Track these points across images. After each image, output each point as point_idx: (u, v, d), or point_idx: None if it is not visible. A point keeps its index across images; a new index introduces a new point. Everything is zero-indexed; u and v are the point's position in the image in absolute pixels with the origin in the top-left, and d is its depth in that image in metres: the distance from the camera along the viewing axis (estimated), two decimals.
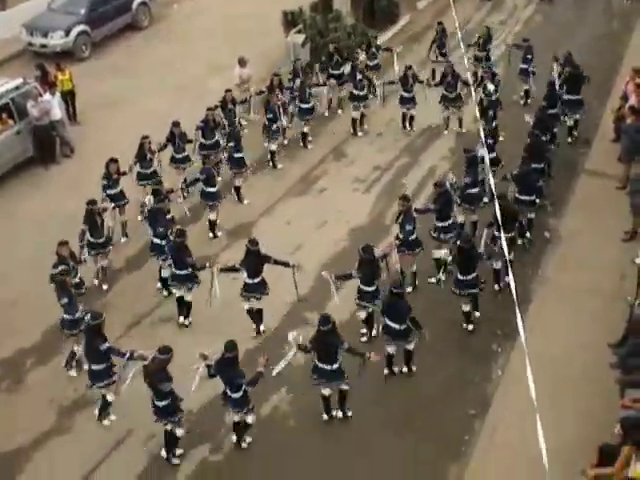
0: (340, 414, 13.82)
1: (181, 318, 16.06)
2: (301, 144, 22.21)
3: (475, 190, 17.49)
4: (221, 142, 19.98)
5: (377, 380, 14.28)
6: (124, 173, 17.99)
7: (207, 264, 15.49)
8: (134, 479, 13.01)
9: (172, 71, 26.66)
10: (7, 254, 18.09)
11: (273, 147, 21.03)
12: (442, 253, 15.70)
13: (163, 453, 13.27)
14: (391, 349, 14.39)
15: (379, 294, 14.91)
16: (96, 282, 17.00)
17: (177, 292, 15.94)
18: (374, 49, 24.53)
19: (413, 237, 16.23)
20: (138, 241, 18.22)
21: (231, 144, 19.45)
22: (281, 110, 20.98)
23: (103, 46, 28.86)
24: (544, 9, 31.36)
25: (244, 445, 13.42)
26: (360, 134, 22.76)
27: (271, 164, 21.15)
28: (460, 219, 17.58)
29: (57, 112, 21.76)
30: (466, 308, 15.46)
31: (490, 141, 18.47)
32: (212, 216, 18.49)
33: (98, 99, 24.66)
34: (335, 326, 13.15)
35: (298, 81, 22.23)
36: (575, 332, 15.17)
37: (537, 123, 19.33)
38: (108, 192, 17.63)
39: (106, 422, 13.95)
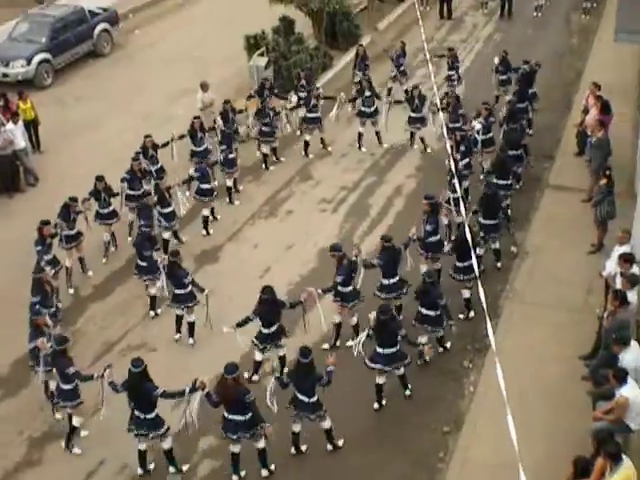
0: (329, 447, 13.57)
1: (177, 335, 16.07)
2: (263, 166, 22.19)
3: (436, 238, 16.57)
4: (149, 189, 18.97)
5: (348, 397, 14.20)
6: (55, 235, 17.11)
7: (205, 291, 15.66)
8: None
9: (135, 97, 26.60)
10: None
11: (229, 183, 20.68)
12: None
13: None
14: (381, 379, 14.27)
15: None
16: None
17: (177, 311, 15.92)
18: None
19: (435, 239, 16.51)
20: (104, 270, 18.20)
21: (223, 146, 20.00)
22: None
23: (65, 74, 28.75)
24: (503, 27, 31.70)
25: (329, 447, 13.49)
26: (311, 156, 22.79)
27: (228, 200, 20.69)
28: (423, 269, 16.33)
29: (20, 141, 21.61)
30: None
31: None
32: (205, 212, 19.26)
33: (61, 127, 24.55)
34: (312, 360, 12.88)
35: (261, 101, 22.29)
36: (544, 346, 15.23)
37: (509, 117, 20.61)
38: (45, 258, 16.54)
39: (76, 450, 13.79)
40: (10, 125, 21.48)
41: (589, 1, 31.89)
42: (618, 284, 14.38)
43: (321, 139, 22.95)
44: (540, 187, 20.44)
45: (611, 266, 15.10)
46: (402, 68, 25.43)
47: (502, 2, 32.49)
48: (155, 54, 30.10)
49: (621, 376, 12.03)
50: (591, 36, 29.57)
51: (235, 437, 12.66)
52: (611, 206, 17.41)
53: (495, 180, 18.15)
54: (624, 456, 10.87)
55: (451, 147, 18.80)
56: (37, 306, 14.86)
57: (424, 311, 14.79)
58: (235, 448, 12.89)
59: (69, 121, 25.06)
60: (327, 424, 13.27)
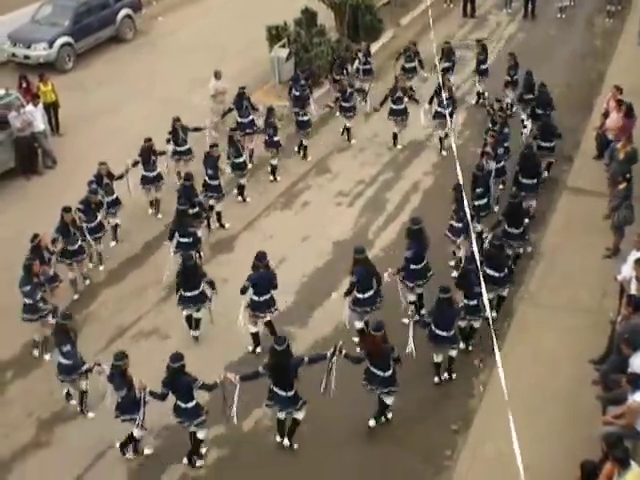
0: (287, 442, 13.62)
1: (192, 331, 16.05)
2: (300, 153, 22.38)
3: (420, 266, 15.68)
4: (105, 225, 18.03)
5: (357, 394, 14.20)
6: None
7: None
8: None
9: (155, 84, 26.65)
10: None
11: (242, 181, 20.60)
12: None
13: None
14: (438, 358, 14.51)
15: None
16: (76, 296, 17.08)
17: (186, 312, 15.85)
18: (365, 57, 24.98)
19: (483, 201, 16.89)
20: (119, 255, 18.29)
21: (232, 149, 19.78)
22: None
23: (86, 58, 28.84)
24: (526, 26, 31.53)
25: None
26: (354, 141, 23.04)
27: (240, 197, 20.69)
28: (410, 298, 15.97)
29: (40, 123, 21.72)
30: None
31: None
32: (218, 207, 19.19)
33: (81, 111, 24.62)
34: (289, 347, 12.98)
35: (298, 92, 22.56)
36: (557, 348, 15.18)
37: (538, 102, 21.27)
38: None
39: (91, 415, 14.15)
40: (30, 107, 21.58)
41: (613, 4, 31.65)
42: (633, 289, 14.32)
43: (348, 130, 23.02)
44: (558, 189, 20.34)
45: (626, 270, 15.01)
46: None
47: (525, 2, 32.26)
48: (177, 41, 30.10)
49: (635, 381, 11.97)
50: (614, 39, 29.34)
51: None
52: (629, 211, 17.29)
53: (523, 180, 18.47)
54: (632, 462, 10.83)
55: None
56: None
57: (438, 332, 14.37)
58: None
59: (89, 105, 25.14)
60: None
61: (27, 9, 29.21)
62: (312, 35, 26.41)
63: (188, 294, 15.42)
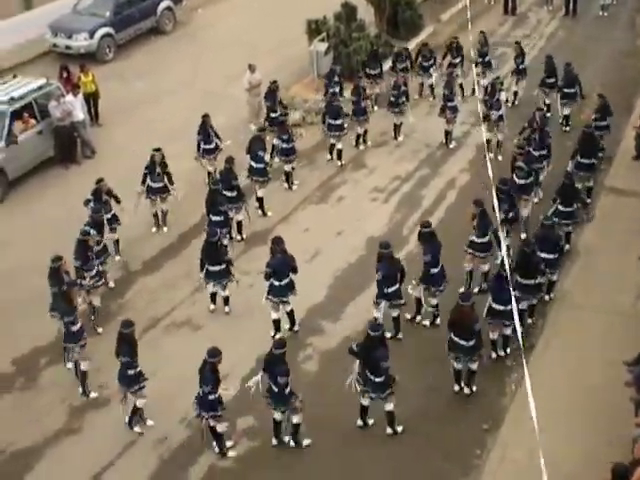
0: (292, 442, 13.53)
1: (211, 305, 16.38)
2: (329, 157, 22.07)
3: (436, 270, 15.54)
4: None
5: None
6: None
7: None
8: None
9: (194, 76, 26.78)
10: (24, 253, 18.17)
11: (287, 168, 20.74)
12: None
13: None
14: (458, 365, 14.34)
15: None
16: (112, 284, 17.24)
17: (211, 288, 16.15)
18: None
19: (484, 240, 16.25)
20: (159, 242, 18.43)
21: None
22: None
23: (127, 49, 29.03)
24: (567, 24, 31.28)
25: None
26: (401, 138, 23.03)
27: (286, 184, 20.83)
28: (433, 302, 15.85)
29: (79, 113, 21.92)
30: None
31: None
32: (238, 217, 18.53)
33: (120, 101, 24.79)
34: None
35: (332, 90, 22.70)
36: (590, 348, 15.08)
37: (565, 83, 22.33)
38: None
39: (93, 394, 14.45)
40: (70, 97, 21.78)
41: None
42: None
43: (396, 126, 23.00)
44: (595, 189, 20.17)
45: None
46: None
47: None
48: (216, 34, 30.19)
49: None
50: None
51: (462, 359, 13.96)
52: None
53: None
54: None
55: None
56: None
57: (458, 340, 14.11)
58: (459, 366, 14.14)
59: (128, 96, 25.29)
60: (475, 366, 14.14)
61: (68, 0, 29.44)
62: (351, 30, 26.37)
63: (212, 268, 15.77)
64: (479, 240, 16.27)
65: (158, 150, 18.39)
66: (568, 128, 22.68)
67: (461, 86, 24.54)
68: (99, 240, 16.45)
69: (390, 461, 13.25)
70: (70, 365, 14.89)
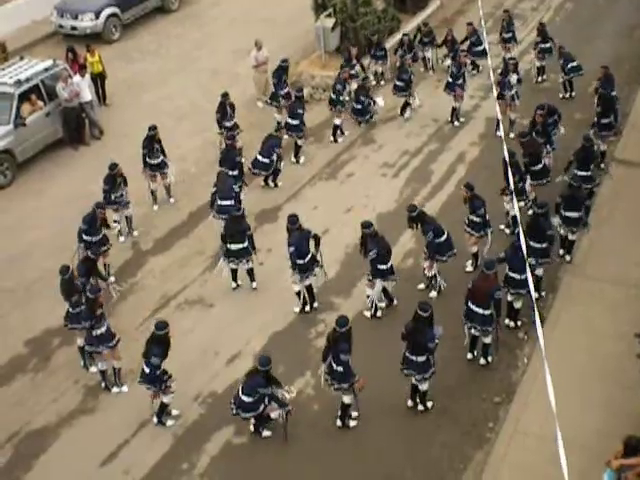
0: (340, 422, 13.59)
1: (233, 283, 16.44)
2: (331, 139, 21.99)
3: (443, 238, 15.73)
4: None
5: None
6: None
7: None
8: (160, 459, 13.12)
9: (201, 55, 26.74)
10: (34, 233, 18.27)
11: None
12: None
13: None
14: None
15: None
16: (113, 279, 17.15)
17: (233, 265, 16.19)
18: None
19: (479, 220, 16.18)
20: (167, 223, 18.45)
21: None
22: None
23: (133, 29, 28.94)
24: None
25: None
26: (407, 114, 22.79)
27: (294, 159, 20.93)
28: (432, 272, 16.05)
29: (87, 94, 21.90)
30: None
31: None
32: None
33: (127, 81, 24.79)
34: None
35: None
36: (601, 321, 15.07)
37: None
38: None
39: (115, 390, 14.36)
40: (77, 78, 21.75)
41: None
42: None
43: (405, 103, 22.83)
44: (606, 161, 20.08)
45: None
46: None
47: None
48: (222, 12, 30.11)
49: None
50: None
51: (477, 328, 14.06)
52: None
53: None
54: None
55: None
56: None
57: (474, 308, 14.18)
58: (475, 333, 14.24)
59: (135, 76, 25.29)
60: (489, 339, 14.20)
61: None
62: (358, 5, 26.18)
63: (233, 247, 15.82)
64: (472, 218, 16.28)
65: (154, 129, 18.45)
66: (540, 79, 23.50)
67: (473, 63, 24.35)
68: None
69: (403, 434, 13.32)
70: (94, 369, 14.70)
